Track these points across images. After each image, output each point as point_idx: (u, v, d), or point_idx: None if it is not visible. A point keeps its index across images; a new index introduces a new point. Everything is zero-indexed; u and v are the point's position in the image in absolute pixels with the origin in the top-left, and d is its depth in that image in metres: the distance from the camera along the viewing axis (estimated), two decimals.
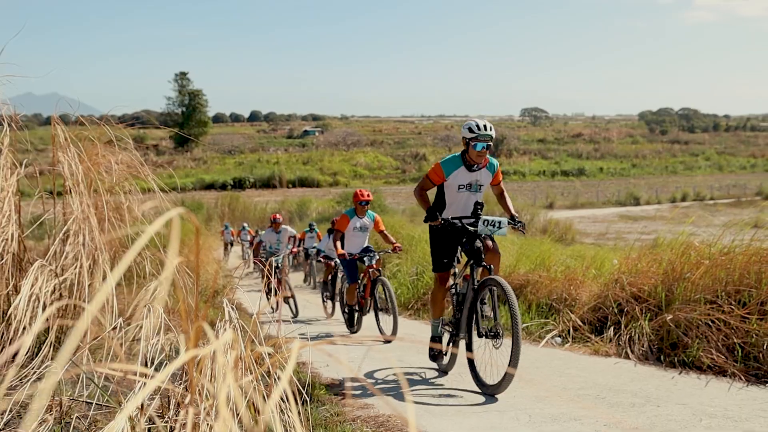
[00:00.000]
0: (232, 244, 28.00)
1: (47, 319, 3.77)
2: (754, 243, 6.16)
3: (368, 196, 9.02)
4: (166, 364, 2.60)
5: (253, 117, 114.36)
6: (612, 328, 6.65)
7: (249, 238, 26.72)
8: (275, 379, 1.88)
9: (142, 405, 2.29)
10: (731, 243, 6.27)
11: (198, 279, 1.31)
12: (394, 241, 9.09)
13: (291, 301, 11.95)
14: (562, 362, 6.05)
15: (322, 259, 12.08)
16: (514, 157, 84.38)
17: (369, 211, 9.13)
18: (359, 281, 9.10)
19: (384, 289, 8.63)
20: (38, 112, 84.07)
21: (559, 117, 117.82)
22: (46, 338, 4.16)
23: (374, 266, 8.89)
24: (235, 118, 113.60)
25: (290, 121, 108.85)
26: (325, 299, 11.82)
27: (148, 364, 2.39)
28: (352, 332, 9.30)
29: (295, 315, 11.66)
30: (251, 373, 2.03)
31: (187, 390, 1.79)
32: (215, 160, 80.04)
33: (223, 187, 64.47)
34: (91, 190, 3.83)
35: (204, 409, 1.63)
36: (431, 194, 5.97)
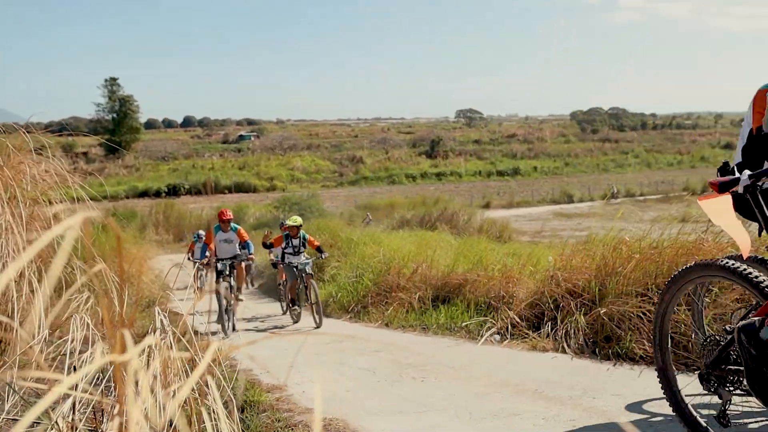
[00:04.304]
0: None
1: None
2: (681, 236, 6.35)
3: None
4: (99, 376, 2.52)
5: (187, 122, 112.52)
6: (549, 323, 6.76)
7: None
8: (206, 386, 1.84)
9: (72, 420, 2.21)
10: (660, 237, 6.45)
11: (123, 286, 1.26)
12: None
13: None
14: (502, 359, 6.13)
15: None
16: (450, 158, 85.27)
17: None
18: None
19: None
20: None
21: (493, 118, 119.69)
22: None
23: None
24: (168, 124, 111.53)
25: (225, 126, 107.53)
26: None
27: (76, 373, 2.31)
28: None
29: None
30: (181, 380, 1.99)
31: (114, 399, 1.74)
32: (148, 167, 78.41)
33: (157, 194, 63.18)
34: (14, 200, 3.70)
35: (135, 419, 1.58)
36: None
